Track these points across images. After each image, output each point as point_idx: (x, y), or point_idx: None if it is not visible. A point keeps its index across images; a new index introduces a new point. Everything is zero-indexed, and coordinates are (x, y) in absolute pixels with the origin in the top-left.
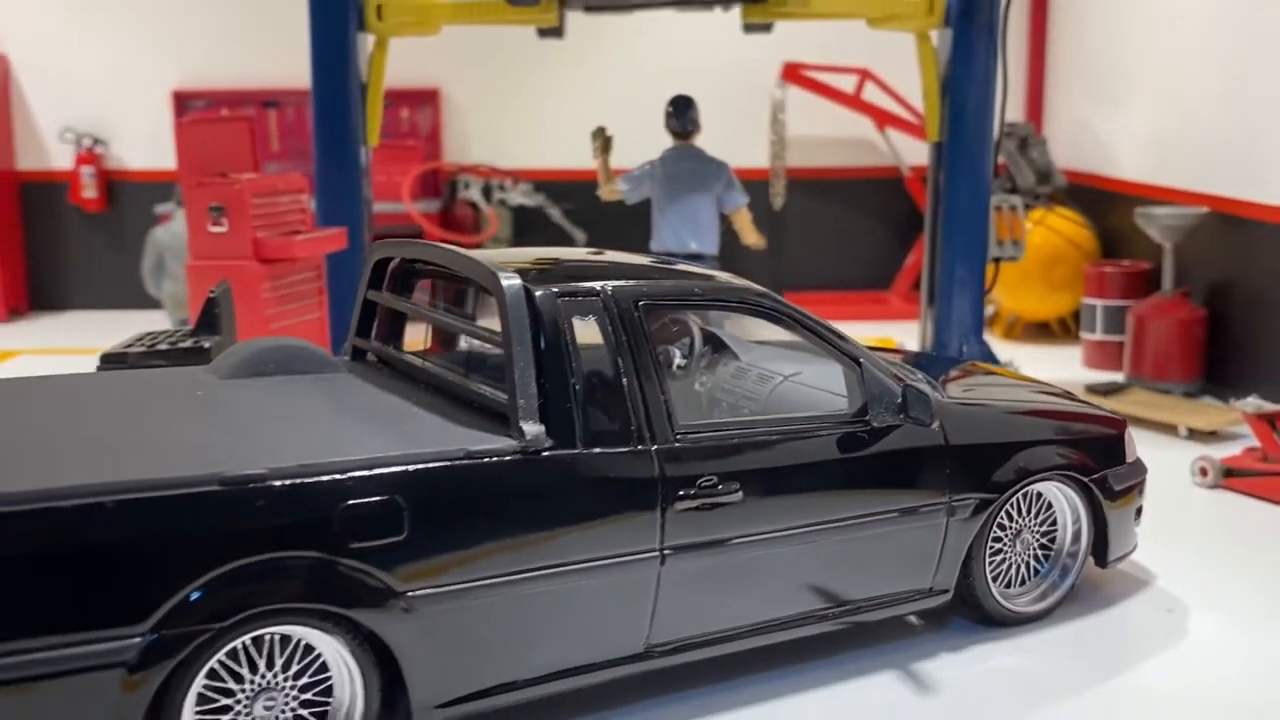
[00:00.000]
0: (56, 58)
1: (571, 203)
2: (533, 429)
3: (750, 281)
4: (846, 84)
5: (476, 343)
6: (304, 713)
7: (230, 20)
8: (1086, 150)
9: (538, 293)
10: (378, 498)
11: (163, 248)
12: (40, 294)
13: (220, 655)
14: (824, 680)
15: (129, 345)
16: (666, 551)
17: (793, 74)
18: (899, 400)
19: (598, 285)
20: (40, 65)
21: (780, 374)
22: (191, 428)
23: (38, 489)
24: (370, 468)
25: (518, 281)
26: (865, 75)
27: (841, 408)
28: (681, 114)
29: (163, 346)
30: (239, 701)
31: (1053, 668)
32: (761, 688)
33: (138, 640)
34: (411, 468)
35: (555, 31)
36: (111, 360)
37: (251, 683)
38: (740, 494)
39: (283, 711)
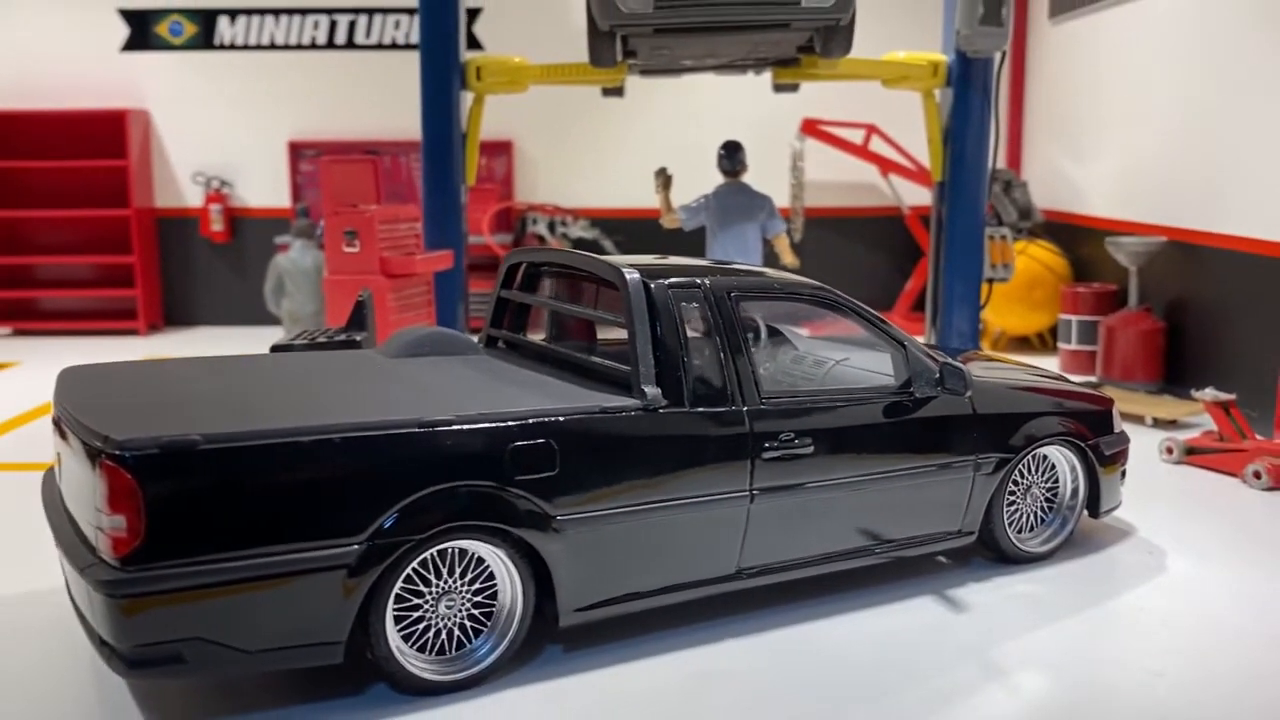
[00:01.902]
0: (190, 113)
1: (622, 235)
2: (651, 390)
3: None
4: (856, 137)
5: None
6: (475, 612)
7: (337, 82)
8: (1058, 191)
9: (652, 284)
10: (536, 440)
11: (283, 271)
12: (173, 312)
13: (414, 564)
14: (877, 602)
15: (293, 339)
16: (755, 492)
17: (810, 128)
18: (937, 376)
19: (698, 279)
20: (177, 119)
21: (832, 359)
22: (384, 389)
23: (286, 427)
24: (530, 417)
25: (638, 275)
26: (871, 130)
27: (887, 384)
28: (732, 155)
29: (322, 340)
30: (427, 601)
31: (1060, 594)
32: (826, 607)
33: (356, 548)
34: (561, 418)
35: (617, 91)
36: (281, 350)
37: (436, 587)
38: (812, 448)
39: (459, 612)
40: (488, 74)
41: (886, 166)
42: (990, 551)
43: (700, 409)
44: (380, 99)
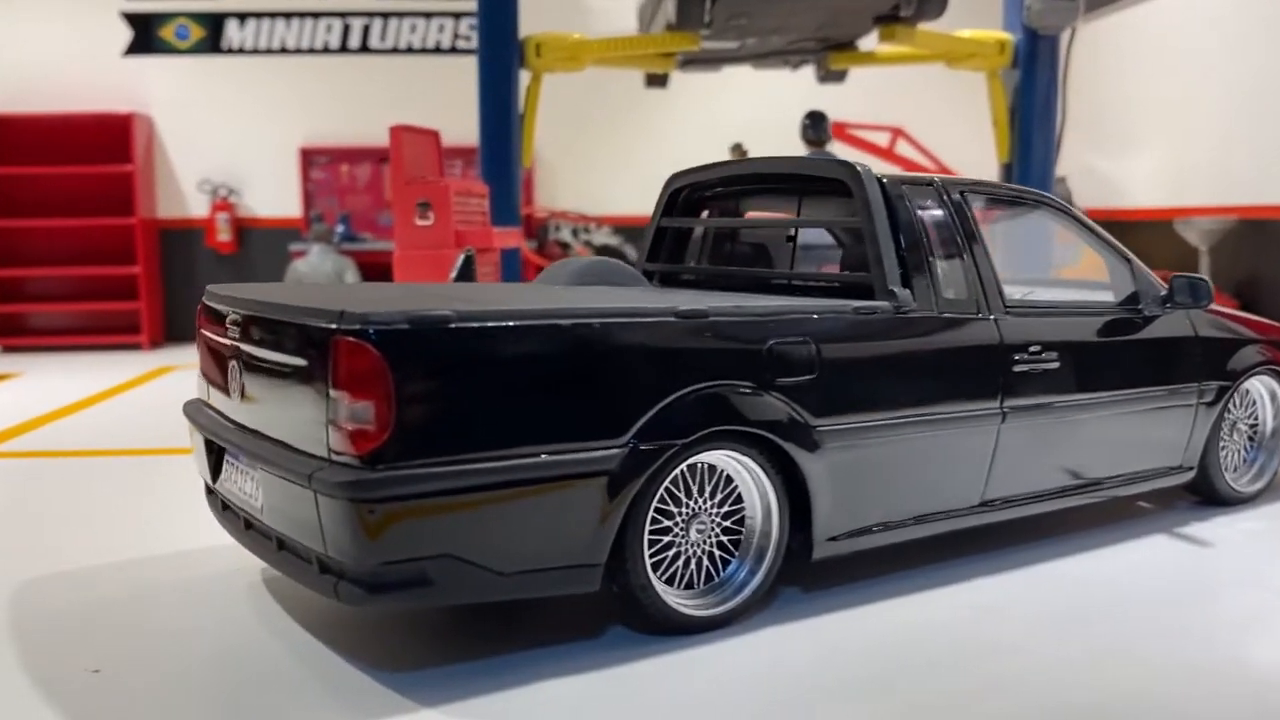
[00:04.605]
0: (196, 119)
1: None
2: (901, 292)
3: None
4: (882, 139)
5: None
6: (725, 539)
7: (351, 87)
8: (1091, 188)
9: (885, 179)
10: (795, 339)
11: (302, 277)
12: (175, 328)
13: (671, 477)
14: (1106, 542)
15: None
16: (1006, 410)
17: (838, 131)
18: (1163, 293)
19: (927, 177)
20: (182, 126)
21: (1019, 291)
22: (590, 298)
23: (542, 309)
24: (787, 313)
25: (869, 169)
26: (898, 133)
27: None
28: (817, 124)
29: None
30: (677, 524)
31: None
32: (1055, 547)
33: (618, 451)
34: (817, 315)
35: (661, 80)
36: None
37: (686, 508)
38: (1057, 363)
39: (708, 538)
40: (548, 51)
41: (912, 169)
42: (1195, 494)
43: (949, 315)
44: (396, 104)
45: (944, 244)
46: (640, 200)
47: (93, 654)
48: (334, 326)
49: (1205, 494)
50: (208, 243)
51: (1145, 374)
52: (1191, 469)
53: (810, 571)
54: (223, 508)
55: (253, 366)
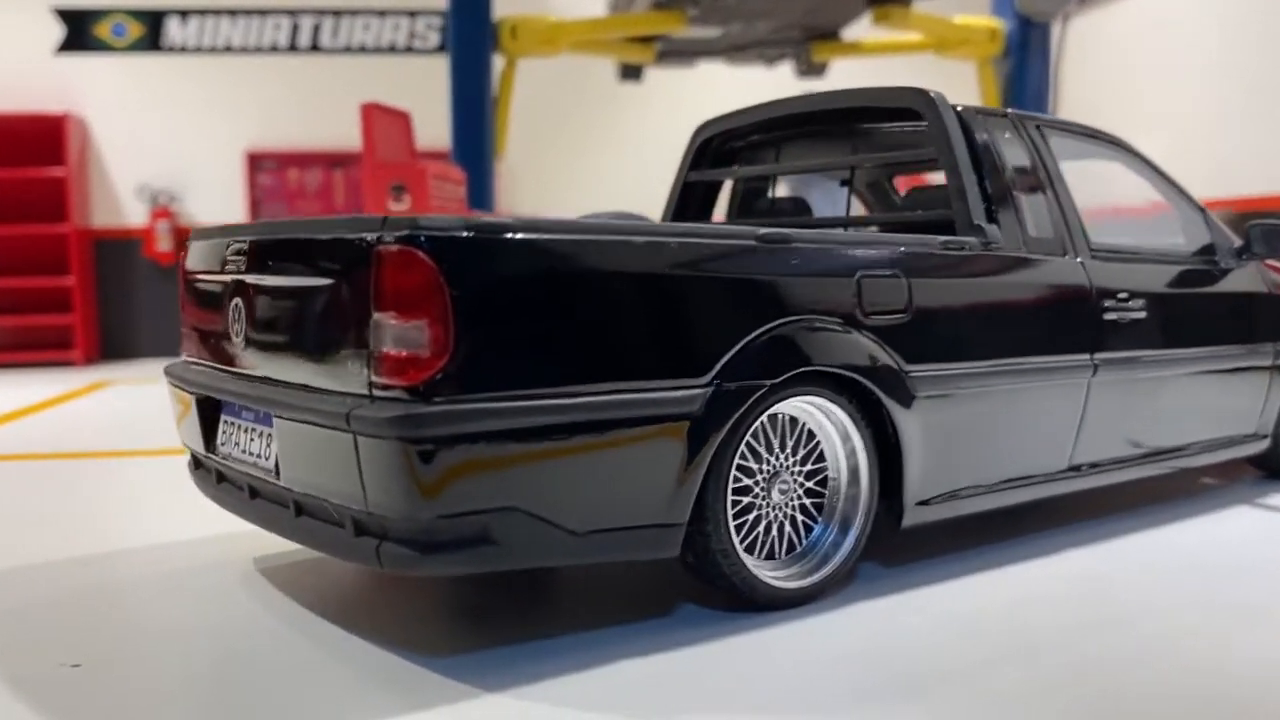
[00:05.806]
0: (135, 120)
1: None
2: (989, 227)
3: None
4: None
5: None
6: (807, 502)
7: (301, 88)
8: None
9: (958, 106)
10: (886, 272)
11: None
12: (109, 344)
13: (756, 425)
14: (1189, 514)
15: None
16: (1097, 362)
17: None
18: (1237, 246)
19: (1001, 109)
20: (119, 129)
21: None
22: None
23: (613, 224)
24: (875, 243)
25: (942, 94)
26: None
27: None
28: None
29: None
30: (758, 483)
31: None
32: (1140, 520)
33: (700, 391)
34: (905, 249)
35: (635, 72)
36: None
37: (768, 464)
38: (1144, 312)
39: (791, 500)
40: (524, 33)
41: None
42: (1262, 467)
43: (1037, 255)
44: (348, 106)
45: (1025, 178)
46: (608, 207)
47: (68, 649)
48: (375, 236)
49: (1274, 466)
50: (146, 253)
51: (1227, 330)
52: (1266, 437)
53: (887, 545)
54: (217, 480)
55: (262, 301)
